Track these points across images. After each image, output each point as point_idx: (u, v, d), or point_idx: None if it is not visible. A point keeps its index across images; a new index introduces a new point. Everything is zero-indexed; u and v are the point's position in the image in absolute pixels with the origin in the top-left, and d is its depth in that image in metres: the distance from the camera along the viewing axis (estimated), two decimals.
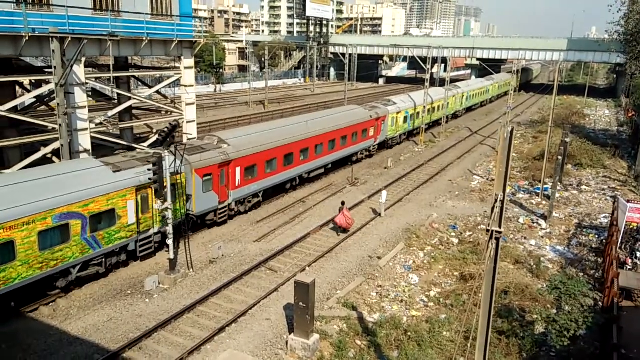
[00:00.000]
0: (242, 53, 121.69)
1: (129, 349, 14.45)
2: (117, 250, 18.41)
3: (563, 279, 18.38)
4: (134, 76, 32.37)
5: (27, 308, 16.25)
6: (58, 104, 19.34)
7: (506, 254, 21.32)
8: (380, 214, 26.30)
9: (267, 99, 67.27)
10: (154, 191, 19.03)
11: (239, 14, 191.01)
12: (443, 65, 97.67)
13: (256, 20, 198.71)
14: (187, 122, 29.65)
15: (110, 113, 26.44)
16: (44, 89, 23.39)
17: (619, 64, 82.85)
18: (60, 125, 19.58)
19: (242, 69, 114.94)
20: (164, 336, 15.25)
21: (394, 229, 24.66)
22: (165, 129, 17.90)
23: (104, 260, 17.98)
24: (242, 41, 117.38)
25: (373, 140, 38.38)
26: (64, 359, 14.05)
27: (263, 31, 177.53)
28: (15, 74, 23.97)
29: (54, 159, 22.98)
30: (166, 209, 18.21)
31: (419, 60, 59.56)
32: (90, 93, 27.61)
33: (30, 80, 29.84)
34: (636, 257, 20.22)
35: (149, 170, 18.06)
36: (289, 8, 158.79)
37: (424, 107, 46.61)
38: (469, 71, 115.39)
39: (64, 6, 21.64)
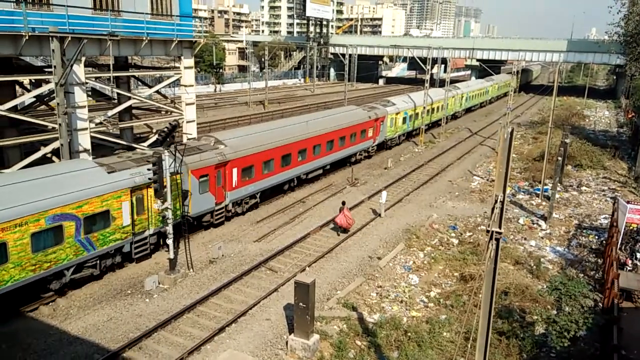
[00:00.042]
0: (242, 53, 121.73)
1: (128, 348, 14.43)
2: (111, 252, 18.19)
3: (563, 279, 18.37)
4: (133, 76, 32.37)
5: (27, 307, 16.22)
6: (58, 104, 19.32)
7: (506, 255, 21.32)
8: (380, 215, 26.30)
9: (267, 99, 67.27)
10: (148, 192, 18.95)
11: (239, 14, 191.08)
12: (443, 66, 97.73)
13: (256, 20, 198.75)
14: (187, 122, 29.66)
15: (110, 113, 26.44)
16: (44, 89, 23.37)
17: (619, 65, 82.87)
18: (60, 124, 19.56)
19: (242, 69, 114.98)
20: (164, 336, 15.23)
21: (394, 229, 24.65)
22: (165, 129, 17.88)
23: (98, 262, 17.77)
24: (242, 41, 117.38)
25: (372, 141, 38.31)
26: (63, 359, 14.04)
27: (263, 31, 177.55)
28: (15, 73, 23.96)
29: (54, 158, 22.97)
30: (166, 208, 18.19)
31: (419, 61, 59.61)
32: (90, 93, 27.61)
33: (30, 80, 29.90)
34: (636, 258, 20.22)
35: (148, 170, 18.00)
36: (289, 8, 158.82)
37: (424, 107, 46.60)
38: (468, 72, 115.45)
39: (64, 5, 21.64)
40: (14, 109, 22.93)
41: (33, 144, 23.16)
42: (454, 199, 30.19)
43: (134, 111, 31.44)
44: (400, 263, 21.12)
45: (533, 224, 26.18)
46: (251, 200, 25.80)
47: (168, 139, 18.17)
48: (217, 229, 23.77)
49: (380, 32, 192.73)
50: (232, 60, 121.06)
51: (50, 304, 16.73)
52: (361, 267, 20.52)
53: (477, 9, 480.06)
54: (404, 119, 43.81)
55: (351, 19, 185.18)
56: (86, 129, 23.61)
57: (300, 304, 14.26)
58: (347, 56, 69.40)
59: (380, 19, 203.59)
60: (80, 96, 23.17)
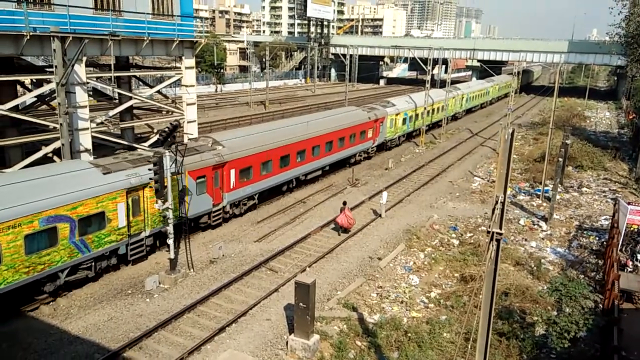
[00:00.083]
0: (243, 53, 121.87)
1: (129, 348, 14.44)
2: (107, 254, 17.96)
3: (563, 280, 18.35)
4: (134, 76, 32.38)
5: (27, 307, 16.22)
6: (59, 104, 19.34)
7: (507, 256, 21.32)
8: (380, 215, 26.30)
9: (268, 99, 67.30)
10: (144, 193, 18.81)
11: (240, 14, 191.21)
12: (444, 66, 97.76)
13: (257, 20, 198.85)
14: (188, 122, 29.67)
15: (111, 113, 26.46)
16: (45, 88, 23.41)
17: (620, 66, 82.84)
18: (61, 124, 19.58)
19: (243, 69, 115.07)
20: (164, 336, 15.24)
21: (395, 229, 24.65)
22: (166, 129, 17.89)
23: (93, 264, 17.56)
24: (243, 41, 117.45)
25: (371, 142, 38.23)
26: (64, 358, 14.05)
27: (264, 31, 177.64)
28: (17, 73, 23.99)
29: (55, 158, 23.00)
30: (167, 208, 18.19)
31: (420, 62, 59.62)
32: (91, 92, 27.65)
33: (31, 80, 29.90)
34: (637, 260, 20.22)
35: (149, 169, 17.97)
36: (290, 8, 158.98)
37: (425, 108, 46.58)
38: (469, 72, 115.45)
39: (65, 5, 21.66)
40: (15, 109, 22.96)
41: (34, 143, 23.16)
42: (454, 200, 30.19)
43: (135, 111, 31.46)
44: (401, 264, 21.12)
45: (534, 225, 26.18)
46: (249, 202, 25.65)
47: (169, 139, 18.19)
48: (218, 229, 23.78)
49: (381, 32, 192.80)
50: (233, 60, 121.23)
51: (51, 303, 16.72)
52: (361, 267, 20.52)
53: (478, 10, 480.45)
54: (404, 119, 43.75)
55: (352, 20, 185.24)
56: (87, 128, 23.63)
57: (301, 304, 14.27)
58: (347, 57, 69.44)
59: (381, 20, 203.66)
60: (82, 96, 23.19)
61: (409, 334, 15.45)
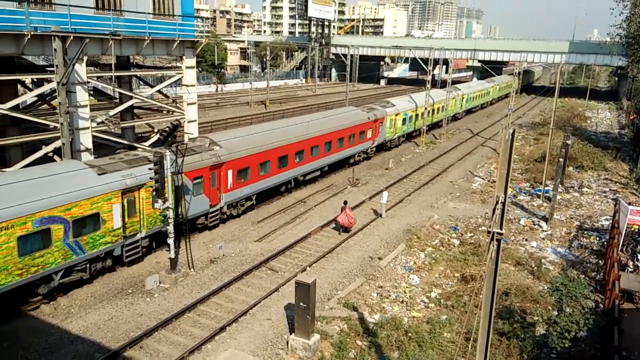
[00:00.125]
0: (243, 53, 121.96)
1: (129, 347, 14.44)
2: (102, 255, 17.76)
3: (564, 280, 18.35)
4: (135, 75, 32.39)
5: (28, 306, 16.21)
6: (60, 103, 19.36)
7: (507, 256, 21.31)
8: (381, 215, 26.30)
9: (269, 99, 67.31)
10: (140, 194, 18.69)
11: (240, 14, 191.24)
12: (444, 66, 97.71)
13: (258, 20, 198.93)
14: (189, 121, 29.67)
15: (111, 112, 26.49)
16: (46, 88, 23.42)
17: (621, 67, 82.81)
18: (61, 124, 19.59)
19: (244, 69, 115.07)
20: (165, 335, 15.25)
21: (395, 229, 24.65)
22: (167, 129, 17.88)
23: (88, 265, 17.37)
24: (243, 41, 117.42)
25: (371, 142, 38.13)
26: (64, 358, 14.05)
27: (265, 31, 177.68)
28: (17, 72, 24.03)
29: (56, 157, 23.01)
30: (167, 208, 18.18)
31: (421, 62, 59.61)
32: (91, 92, 27.67)
33: (32, 79, 29.99)
34: (637, 260, 20.21)
35: (149, 169, 17.94)
36: (291, 8, 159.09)
37: (425, 108, 46.54)
38: (470, 73, 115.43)
39: (66, 5, 21.67)
40: (15, 108, 22.98)
41: (34, 143, 23.19)
42: (455, 200, 30.18)
43: (135, 111, 31.49)
44: (401, 263, 21.12)
45: (534, 225, 26.17)
46: (247, 202, 25.50)
47: (169, 139, 18.18)
48: (218, 229, 23.77)
49: (382, 32, 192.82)
50: (233, 60, 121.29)
51: (52, 302, 16.72)
52: (362, 267, 20.52)
53: (479, 10, 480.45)
54: (404, 120, 43.67)
55: (353, 20, 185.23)
56: (88, 128, 23.64)
57: (301, 303, 14.27)
58: (348, 57, 69.53)
59: (382, 20, 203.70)
60: (82, 95, 23.20)
61: (410, 334, 15.45)
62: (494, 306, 8.28)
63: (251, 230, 23.99)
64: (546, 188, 30.67)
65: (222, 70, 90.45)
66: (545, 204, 29.21)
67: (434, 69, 53.74)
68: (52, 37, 18.97)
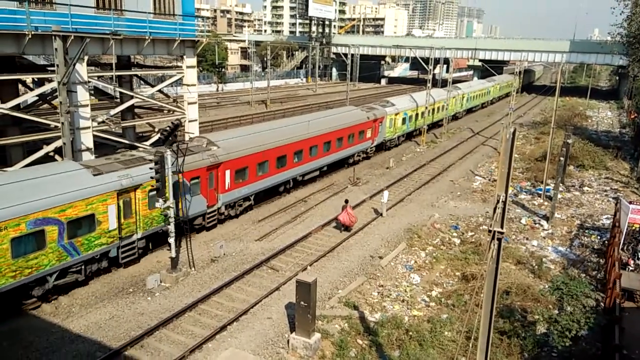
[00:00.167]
0: (244, 52, 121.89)
1: (130, 346, 14.45)
2: (97, 256, 17.58)
3: (565, 279, 18.35)
4: (136, 75, 32.43)
5: (29, 305, 16.22)
6: (60, 102, 19.39)
7: (508, 255, 21.30)
8: (381, 214, 26.29)
9: (269, 98, 67.32)
10: (136, 195, 18.60)
11: (241, 13, 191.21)
12: (445, 66, 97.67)
13: (258, 20, 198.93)
14: (189, 121, 29.71)
15: (112, 112, 26.53)
16: (47, 87, 23.45)
17: (622, 66, 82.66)
18: (62, 123, 19.61)
19: (244, 68, 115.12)
20: (166, 334, 15.26)
21: (396, 228, 24.65)
22: (167, 128, 17.88)
23: (83, 267, 17.18)
24: (244, 41, 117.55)
25: (370, 142, 38.01)
26: (65, 357, 14.07)
27: (265, 31, 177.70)
28: (18, 72, 24.06)
29: (57, 157, 23.05)
30: (168, 207, 18.18)
31: (421, 61, 59.60)
32: (92, 91, 27.71)
33: (32, 79, 30.05)
34: (638, 258, 20.20)
35: (150, 169, 17.92)
36: (292, 8, 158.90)
37: (426, 107, 46.49)
38: (471, 72, 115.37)
39: (67, 5, 21.70)
40: (16, 108, 23.01)
41: (35, 142, 23.22)
42: (455, 199, 30.17)
43: (136, 110, 31.52)
44: (402, 262, 21.12)
45: (535, 224, 26.16)
46: (245, 203, 25.35)
47: (170, 138, 18.18)
48: (218, 229, 23.78)
49: (382, 32, 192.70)
50: (234, 59, 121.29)
51: (53, 301, 16.74)
52: (363, 266, 20.53)
53: (479, 10, 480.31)
54: (404, 119, 43.55)
55: (353, 19, 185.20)
56: (88, 127, 23.68)
57: (302, 302, 14.28)
58: (349, 56, 69.53)
59: (383, 19, 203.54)
60: (83, 95, 23.24)
61: (410, 333, 15.45)
62: (494, 305, 8.29)
63: (252, 229, 24.00)
64: (547, 187, 30.65)
65: (223, 69, 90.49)
66: (546, 203, 29.19)
67: (434, 68, 53.71)
68: (53, 37, 18.99)
